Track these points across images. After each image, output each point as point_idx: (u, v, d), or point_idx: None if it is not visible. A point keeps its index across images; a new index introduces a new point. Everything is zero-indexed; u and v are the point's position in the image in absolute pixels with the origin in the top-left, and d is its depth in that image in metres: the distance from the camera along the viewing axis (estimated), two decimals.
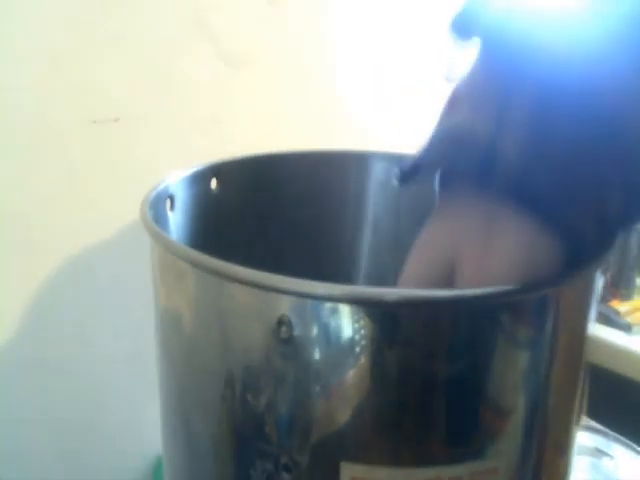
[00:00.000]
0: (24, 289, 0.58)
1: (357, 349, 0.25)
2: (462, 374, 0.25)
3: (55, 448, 0.62)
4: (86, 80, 0.57)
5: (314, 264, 0.45)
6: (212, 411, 0.29)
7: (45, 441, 0.62)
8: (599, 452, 0.56)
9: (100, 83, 0.58)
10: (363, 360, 0.25)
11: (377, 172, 0.48)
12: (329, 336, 0.25)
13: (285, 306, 0.25)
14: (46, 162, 0.57)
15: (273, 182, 0.46)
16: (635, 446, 0.57)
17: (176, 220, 0.39)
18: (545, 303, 0.26)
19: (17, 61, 0.54)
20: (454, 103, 0.28)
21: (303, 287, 0.24)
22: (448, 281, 0.28)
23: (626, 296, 0.97)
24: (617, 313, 0.94)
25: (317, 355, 0.25)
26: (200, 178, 0.42)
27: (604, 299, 0.95)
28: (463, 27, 0.27)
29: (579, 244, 0.26)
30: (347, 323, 0.24)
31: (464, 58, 0.27)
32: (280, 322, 0.25)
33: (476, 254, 0.27)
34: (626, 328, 0.92)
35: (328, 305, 0.24)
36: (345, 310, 0.24)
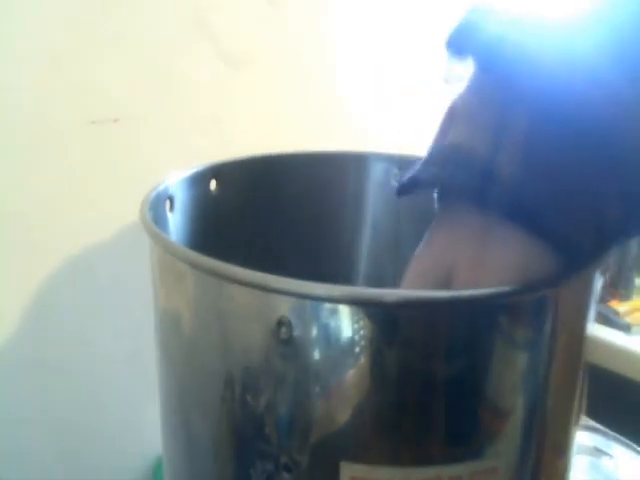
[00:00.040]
0: (24, 289, 0.58)
1: (356, 350, 0.25)
2: (461, 374, 0.25)
3: (55, 448, 0.62)
4: (86, 80, 0.57)
5: (313, 265, 0.45)
6: (212, 411, 0.29)
7: (45, 441, 0.62)
8: (599, 452, 0.56)
9: (100, 83, 0.58)
10: (362, 361, 0.25)
11: (376, 173, 0.48)
12: (329, 337, 0.25)
13: (285, 307, 0.25)
14: (46, 162, 0.57)
15: (272, 183, 0.46)
16: (635, 446, 0.56)
17: (175, 221, 0.39)
18: (544, 304, 0.26)
19: (17, 61, 0.54)
20: (452, 118, 0.28)
21: (303, 288, 0.24)
22: None
23: (625, 296, 0.97)
24: (616, 313, 0.94)
25: (317, 356, 0.25)
26: (200, 179, 0.42)
27: (603, 299, 0.95)
28: (458, 46, 0.27)
29: (577, 255, 0.26)
30: (346, 324, 0.24)
31: (462, 63, 0.28)
32: (280, 323, 0.25)
33: (471, 266, 0.27)
34: (625, 328, 0.92)
35: (328, 306, 0.24)
36: (345, 311, 0.24)
